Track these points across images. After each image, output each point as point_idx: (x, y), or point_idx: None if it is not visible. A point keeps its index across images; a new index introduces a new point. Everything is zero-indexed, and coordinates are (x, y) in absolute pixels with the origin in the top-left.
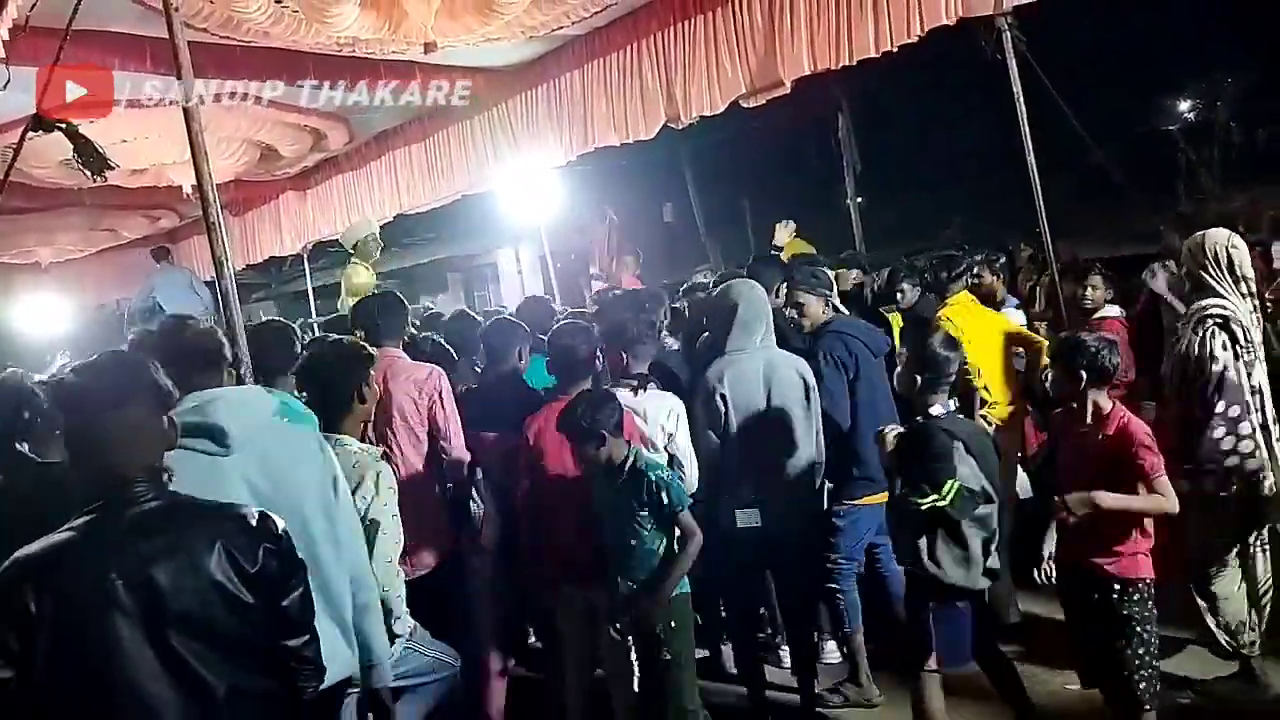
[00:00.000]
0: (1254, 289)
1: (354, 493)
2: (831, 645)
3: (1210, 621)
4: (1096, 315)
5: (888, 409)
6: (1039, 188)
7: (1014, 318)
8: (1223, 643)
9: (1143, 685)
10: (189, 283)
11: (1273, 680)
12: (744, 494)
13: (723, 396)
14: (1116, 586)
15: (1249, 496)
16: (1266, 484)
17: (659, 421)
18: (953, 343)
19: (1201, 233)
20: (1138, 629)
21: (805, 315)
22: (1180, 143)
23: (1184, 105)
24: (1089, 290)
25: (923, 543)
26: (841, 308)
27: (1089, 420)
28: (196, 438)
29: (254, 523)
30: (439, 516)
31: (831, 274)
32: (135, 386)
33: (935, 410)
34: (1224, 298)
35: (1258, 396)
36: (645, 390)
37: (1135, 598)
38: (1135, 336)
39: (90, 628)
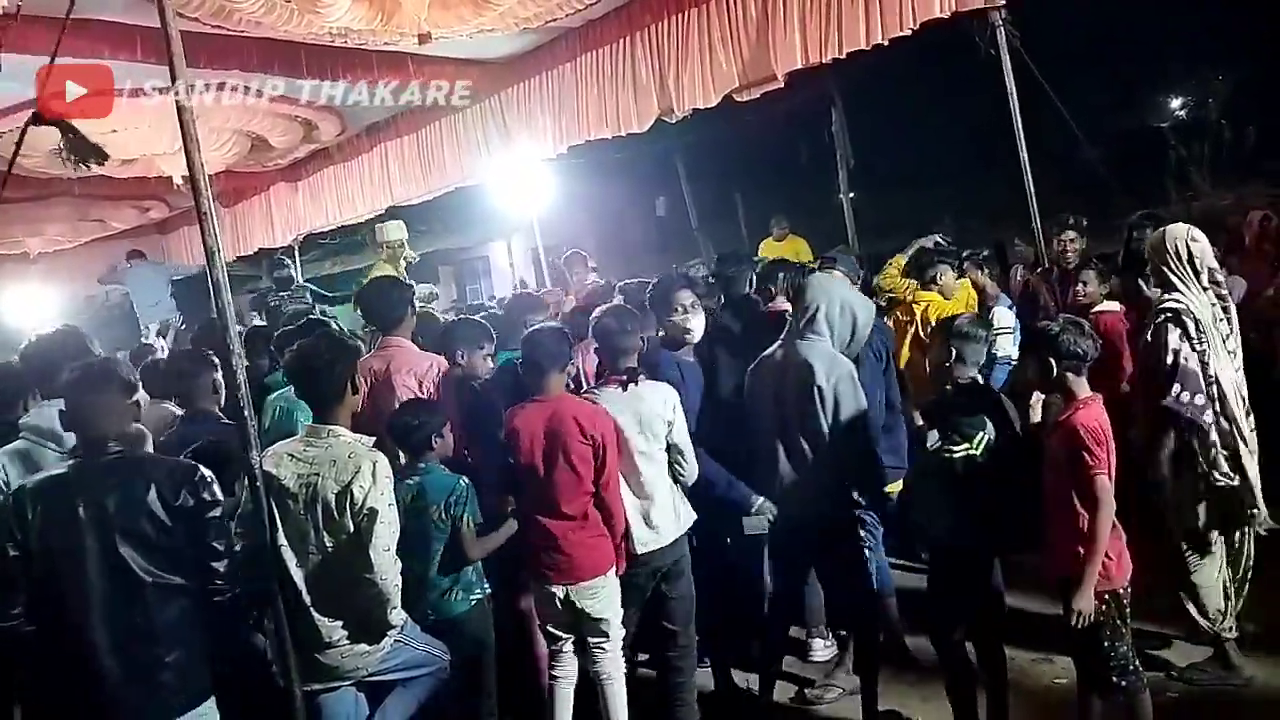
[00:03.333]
0: (1217, 279)
1: (350, 483)
2: (819, 643)
3: (1192, 609)
4: (1094, 310)
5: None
6: (1031, 183)
7: (1004, 318)
8: (1204, 627)
9: (1122, 682)
10: (164, 282)
11: (1245, 663)
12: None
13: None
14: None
15: (1227, 490)
16: (1250, 472)
17: (658, 412)
18: (981, 321)
19: (1162, 229)
20: (1107, 633)
21: None
22: (1171, 139)
23: (1175, 102)
24: (1083, 285)
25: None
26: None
27: (1062, 409)
28: None
29: (181, 472)
30: None
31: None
32: (107, 381)
33: (965, 378)
34: (1181, 292)
35: (1214, 386)
36: (636, 384)
37: (1101, 608)
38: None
39: (63, 531)
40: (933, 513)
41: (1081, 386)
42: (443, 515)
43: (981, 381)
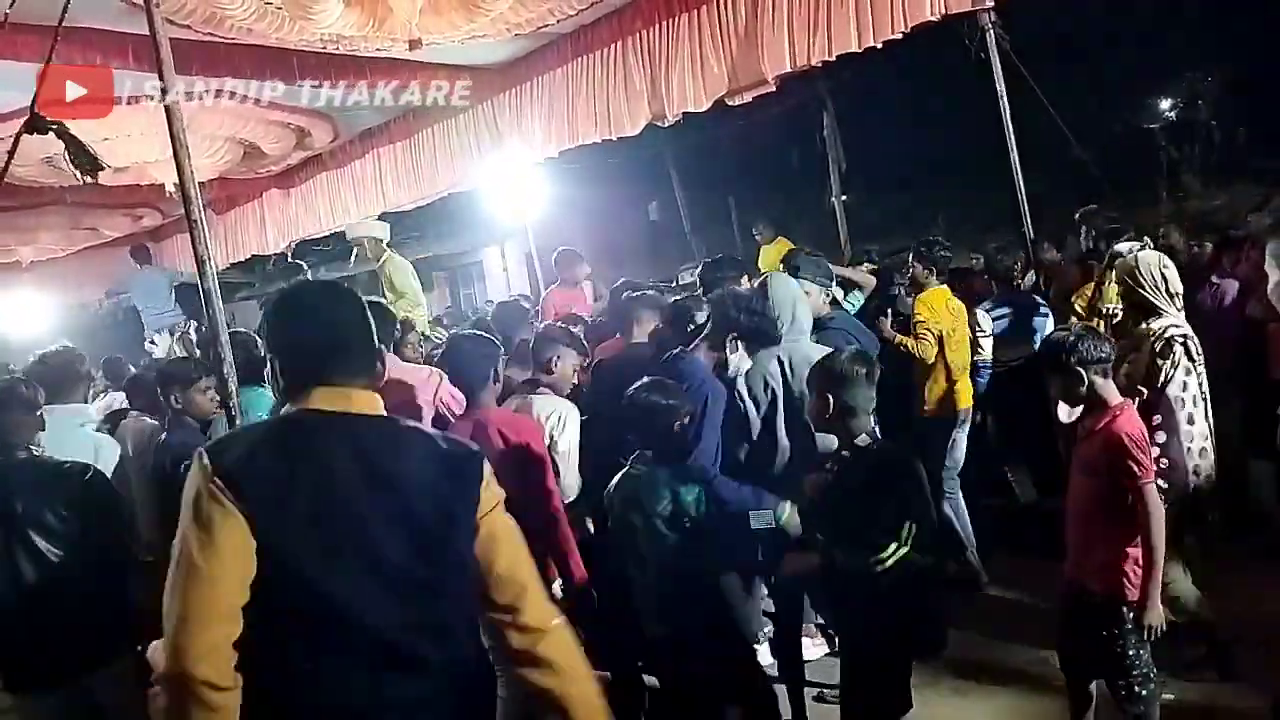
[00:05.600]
0: (1180, 304)
1: None
2: (807, 641)
3: (1166, 611)
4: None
5: None
6: (1021, 184)
7: (984, 322)
8: (1183, 624)
9: (1142, 691)
10: (167, 287)
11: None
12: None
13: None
14: (1113, 606)
15: (1191, 496)
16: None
17: (543, 425)
18: (862, 356)
19: (1134, 256)
20: (1134, 641)
21: None
22: (1161, 140)
23: (1165, 104)
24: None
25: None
26: (843, 301)
27: (1094, 417)
28: None
29: (75, 474)
30: None
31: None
32: (12, 400)
33: (860, 436)
34: (1173, 315)
35: (1203, 405)
36: (535, 395)
37: (1118, 612)
38: None
39: None
40: (838, 615)
41: (1112, 392)
42: None
43: (878, 436)
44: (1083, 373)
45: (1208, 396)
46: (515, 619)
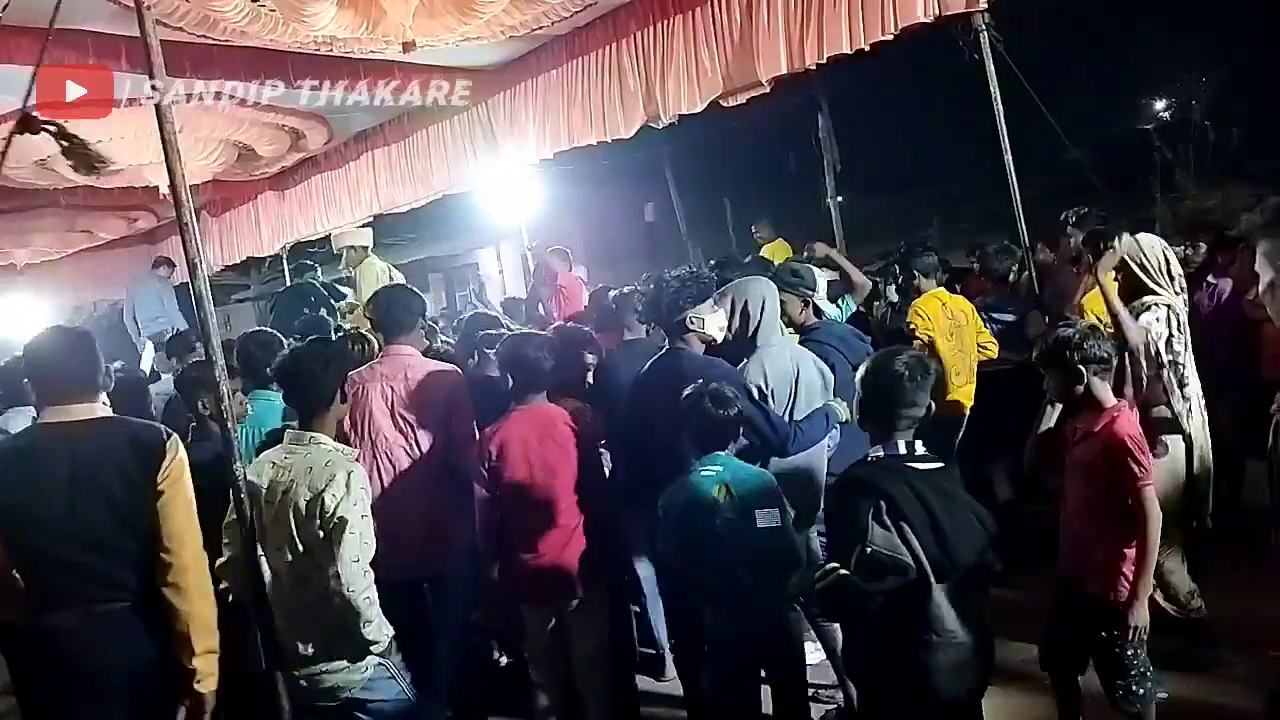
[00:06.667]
0: (1184, 285)
1: (324, 491)
2: (809, 645)
3: (1159, 597)
4: None
5: None
6: (1016, 186)
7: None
8: (1174, 613)
9: (1140, 690)
10: (158, 295)
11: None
12: None
13: (760, 389)
14: (1112, 607)
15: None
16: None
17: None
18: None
19: (1133, 238)
20: (1131, 642)
21: (784, 315)
22: (1156, 141)
23: (1160, 104)
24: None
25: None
26: (827, 308)
27: (1090, 419)
28: None
29: None
30: (449, 516)
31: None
32: None
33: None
34: (1169, 297)
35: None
36: None
37: (1118, 613)
38: None
39: None
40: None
41: (1108, 393)
42: None
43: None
44: (1082, 370)
45: (1196, 381)
46: (170, 557)
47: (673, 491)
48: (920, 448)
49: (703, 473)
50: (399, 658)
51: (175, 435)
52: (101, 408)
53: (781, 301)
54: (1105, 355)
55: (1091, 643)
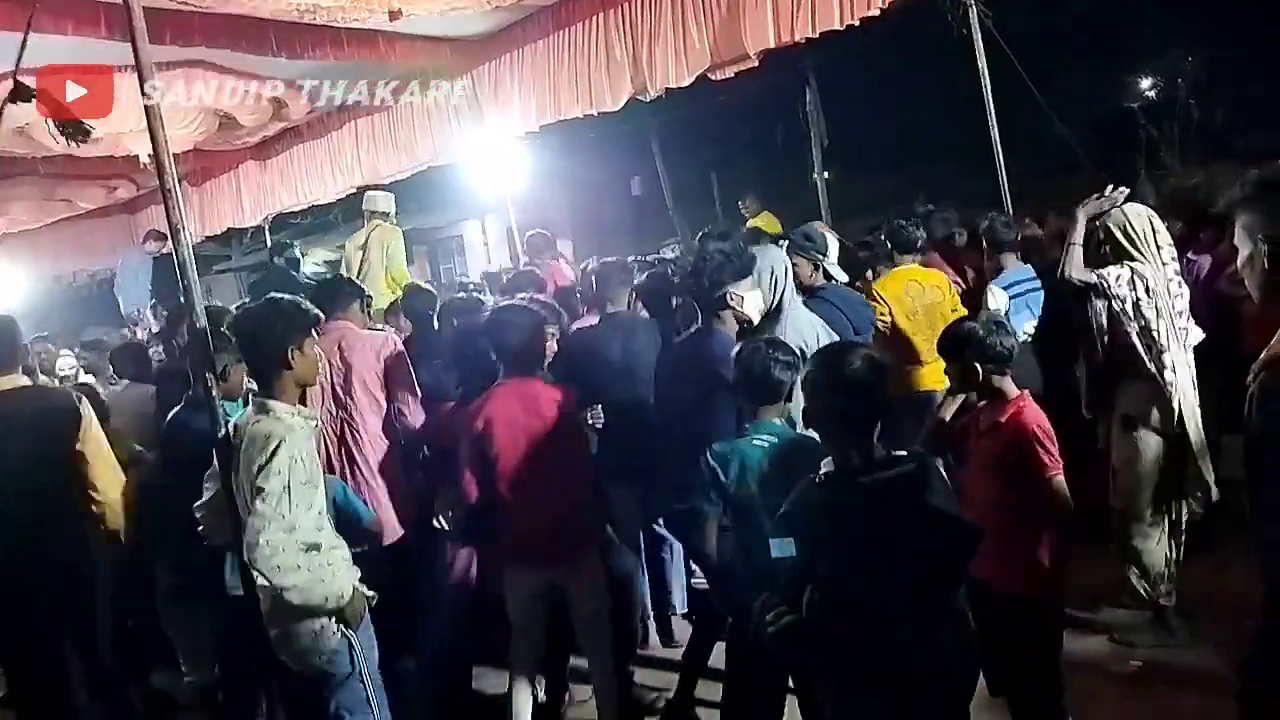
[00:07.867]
0: (1174, 254)
1: (256, 462)
2: None
3: (1132, 573)
4: None
5: None
6: (1002, 162)
7: (998, 299)
8: (1141, 591)
9: (1049, 690)
10: (134, 272)
11: (1183, 627)
12: None
13: (801, 351)
14: (1021, 604)
15: (1173, 452)
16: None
17: None
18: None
19: (1120, 210)
20: (1043, 640)
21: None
22: (1142, 119)
23: (1145, 83)
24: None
25: None
26: (838, 273)
27: (994, 410)
28: None
29: None
30: (400, 485)
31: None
32: None
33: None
34: (1142, 263)
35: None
36: None
37: (1038, 610)
38: None
39: None
40: None
41: (1010, 385)
42: None
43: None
44: (978, 367)
45: (1180, 351)
46: (96, 495)
47: (721, 455)
48: (882, 450)
49: (755, 441)
50: (375, 660)
51: (85, 398)
52: (21, 378)
53: (793, 264)
54: (1004, 351)
55: (1018, 648)
